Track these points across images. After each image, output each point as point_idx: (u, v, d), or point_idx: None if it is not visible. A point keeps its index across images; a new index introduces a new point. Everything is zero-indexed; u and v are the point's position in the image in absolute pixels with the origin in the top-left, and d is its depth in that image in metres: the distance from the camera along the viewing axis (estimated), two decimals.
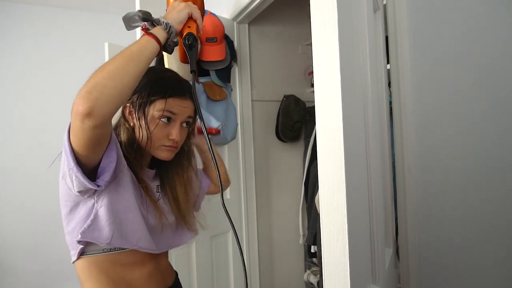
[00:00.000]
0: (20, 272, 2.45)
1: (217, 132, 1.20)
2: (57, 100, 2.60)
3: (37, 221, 2.48)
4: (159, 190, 0.90)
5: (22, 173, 2.50)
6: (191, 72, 0.76)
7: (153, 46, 0.68)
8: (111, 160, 0.68)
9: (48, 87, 2.61)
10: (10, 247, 2.44)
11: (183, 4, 0.77)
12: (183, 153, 0.94)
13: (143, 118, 0.80)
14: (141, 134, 0.81)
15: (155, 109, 0.81)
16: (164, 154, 0.84)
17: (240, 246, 0.68)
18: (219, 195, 0.85)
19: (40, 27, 2.61)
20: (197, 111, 0.77)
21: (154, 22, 0.73)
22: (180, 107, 0.83)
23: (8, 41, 2.52)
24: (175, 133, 0.83)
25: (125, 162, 0.76)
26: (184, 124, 0.87)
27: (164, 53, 0.80)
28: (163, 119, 0.81)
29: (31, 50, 2.58)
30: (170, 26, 0.73)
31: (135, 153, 0.82)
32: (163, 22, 0.72)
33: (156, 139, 0.82)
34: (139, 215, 0.77)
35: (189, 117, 0.87)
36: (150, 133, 0.80)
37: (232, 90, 1.75)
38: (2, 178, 2.46)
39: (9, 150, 2.49)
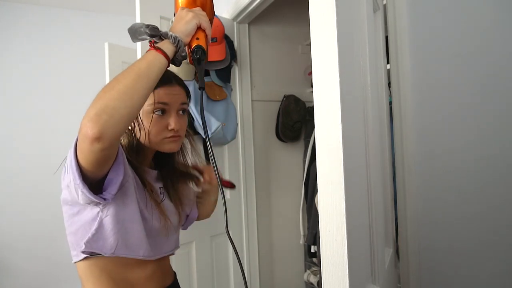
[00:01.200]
0: (20, 272, 2.45)
1: (232, 186, 1.19)
2: (58, 101, 2.61)
3: (38, 222, 2.48)
4: (163, 192, 0.89)
5: (22, 174, 2.50)
6: (199, 89, 0.71)
7: (161, 61, 0.65)
8: (118, 174, 0.67)
9: (48, 87, 2.61)
10: (11, 247, 2.45)
11: (190, 14, 0.72)
12: (183, 150, 0.93)
13: (137, 117, 0.79)
14: (140, 133, 0.80)
15: (145, 104, 0.77)
16: (168, 146, 0.82)
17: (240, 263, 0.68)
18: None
19: (40, 27, 2.61)
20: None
21: (161, 36, 0.70)
22: (170, 95, 0.80)
23: (8, 41, 2.52)
24: (173, 122, 0.80)
25: (130, 172, 0.74)
26: (181, 112, 0.84)
27: None
28: (156, 112, 0.79)
29: (30, 50, 2.57)
30: (179, 40, 0.69)
31: (136, 155, 0.81)
32: (171, 35, 0.68)
33: (156, 133, 0.80)
34: (143, 223, 0.77)
35: (183, 103, 0.84)
36: (147, 130, 0.79)
37: (232, 90, 1.75)
38: (2, 179, 2.46)
39: (9, 151, 2.48)
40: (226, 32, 1.67)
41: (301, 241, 2.00)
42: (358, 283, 0.56)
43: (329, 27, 0.51)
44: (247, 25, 1.86)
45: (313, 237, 1.76)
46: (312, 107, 2.20)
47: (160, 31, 0.70)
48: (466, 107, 0.94)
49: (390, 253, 1.04)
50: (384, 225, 0.95)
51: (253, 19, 1.81)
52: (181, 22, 0.71)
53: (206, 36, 0.74)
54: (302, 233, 1.99)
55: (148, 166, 0.87)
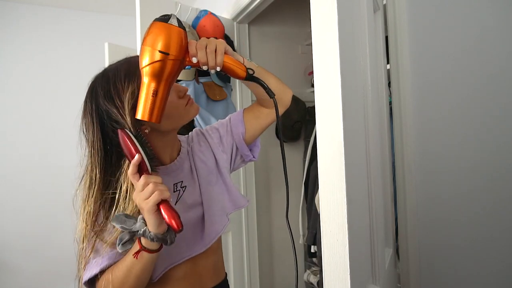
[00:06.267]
0: (20, 272, 2.45)
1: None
2: (58, 101, 2.60)
3: (38, 222, 2.48)
4: (180, 187, 0.81)
5: (22, 174, 2.50)
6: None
7: (153, 256, 0.67)
8: None
9: (48, 87, 2.61)
10: (11, 247, 2.44)
11: (147, 207, 0.62)
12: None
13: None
14: (165, 122, 0.71)
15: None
16: (193, 110, 0.78)
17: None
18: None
19: (40, 27, 2.61)
20: None
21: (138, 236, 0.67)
22: None
23: (8, 40, 2.52)
24: (179, 87, 0.76)
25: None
26: None
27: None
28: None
29: (31, 50, 2.57)
30: (154, 236, 0.64)
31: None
32: (148, 235, 0.63)
33: (175, 106, 0.73)
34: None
35: None
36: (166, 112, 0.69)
37: (232, 90, 1.75)
38: (2, 178, 2.46)
39: (9, 150, 2.48)
40: (226, 32, 1.67)
41: (301, 240, 2.00)
42: (359, 283, 0.56)
43: (331, 27, 0.51)
44: (247, 25, 1.86)
45: (313, 237, 1.77)
46: (312, 107, 2.20)
47: (136, 233, 0.66)
48: (466, 106, 0.94)
49: (390, 253, 1.04)
50: (384, 225, 0.95)
51: (253, 19, 1.81)
52: (145, 214, 0.64)
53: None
54: (301, 233, 1.99)
55: (170, 160, 0.80)
